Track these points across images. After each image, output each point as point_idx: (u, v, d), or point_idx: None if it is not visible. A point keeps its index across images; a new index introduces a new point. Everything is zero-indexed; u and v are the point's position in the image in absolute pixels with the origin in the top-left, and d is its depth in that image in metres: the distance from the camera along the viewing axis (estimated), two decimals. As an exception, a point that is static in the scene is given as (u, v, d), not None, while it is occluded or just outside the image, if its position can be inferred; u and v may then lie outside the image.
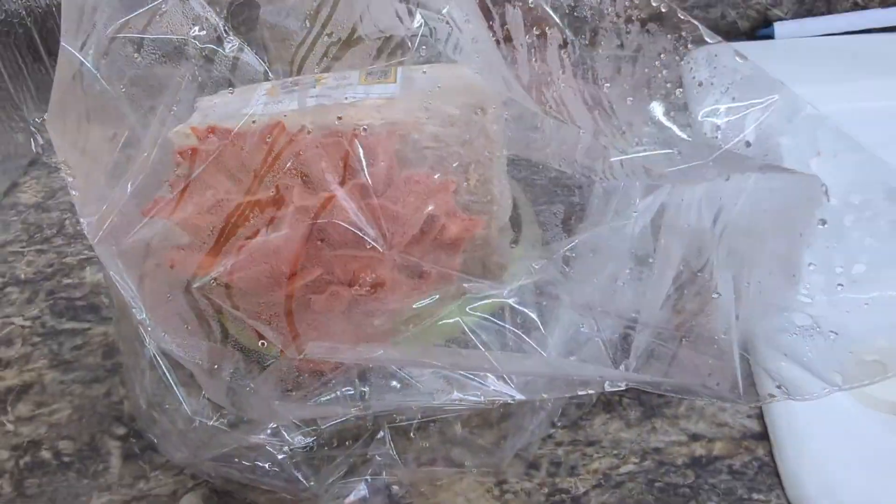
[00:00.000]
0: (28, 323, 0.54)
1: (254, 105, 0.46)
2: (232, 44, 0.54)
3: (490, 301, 0.42)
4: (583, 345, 0.37)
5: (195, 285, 0.40)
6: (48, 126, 0.41)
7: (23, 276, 0.58)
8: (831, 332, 0.39)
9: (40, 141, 0.72)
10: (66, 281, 0.57)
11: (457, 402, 0.38)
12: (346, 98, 0.44)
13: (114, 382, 0.48)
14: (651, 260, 0.41)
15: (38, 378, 0.49)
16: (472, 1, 0.44)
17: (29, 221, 0.64)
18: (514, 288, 0.39)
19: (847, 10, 0.71)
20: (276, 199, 0.38)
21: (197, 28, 0.53)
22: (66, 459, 0.44)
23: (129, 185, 0.42)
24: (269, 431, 0.39)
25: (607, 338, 0.38)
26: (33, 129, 0.71)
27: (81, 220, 0.40)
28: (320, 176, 0.38)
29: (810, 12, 0.72)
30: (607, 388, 0.36)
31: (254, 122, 0.41)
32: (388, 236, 0.37)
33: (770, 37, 0.72)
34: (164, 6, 0.51)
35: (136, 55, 0.50)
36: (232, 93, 0.49)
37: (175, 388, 0.40)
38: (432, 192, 0.38)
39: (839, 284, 0.39)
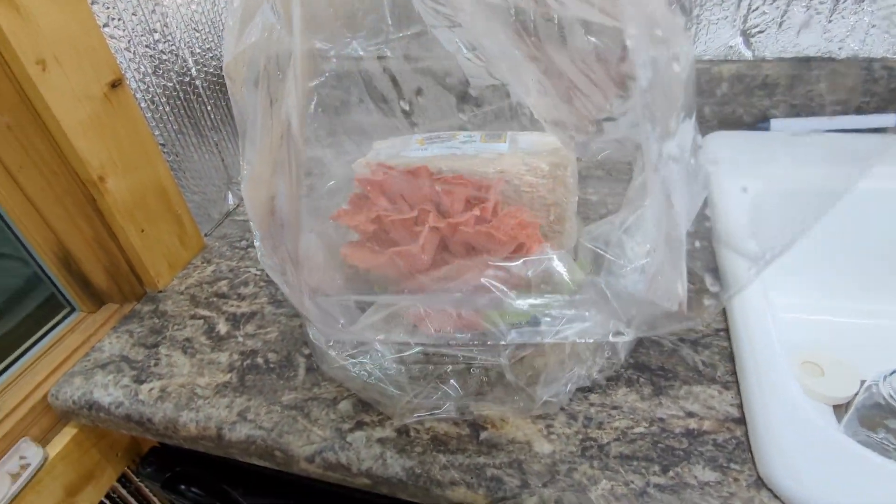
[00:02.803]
0: (259, 272, 0.54)
1: (410, 150, 0.44)
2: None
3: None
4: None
5: (358, 268, 0.38)
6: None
7: (258, 241, 0.58)
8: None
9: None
10: (283, 248, 0.57)
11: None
12: (471, 152, 0.41)
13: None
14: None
15: (260, 309, 0.49)
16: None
17: (265, 207, 0.64)
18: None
19: (826, 115, 0.63)
20: (418, 219, 0.35)
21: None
22: (272, 365, 0.44)
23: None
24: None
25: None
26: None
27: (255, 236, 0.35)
28: (450, 205, 0.36)
29: (799, 114, 0.64)
30: (611, 339, 0.30)
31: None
32: (490, 253, 0.34)
33: (766, 129, 0.65)
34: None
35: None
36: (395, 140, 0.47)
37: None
38: (525, 225, 0.35)
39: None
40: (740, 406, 0.37)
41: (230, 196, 0.64)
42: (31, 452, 0.41)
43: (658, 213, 0.25)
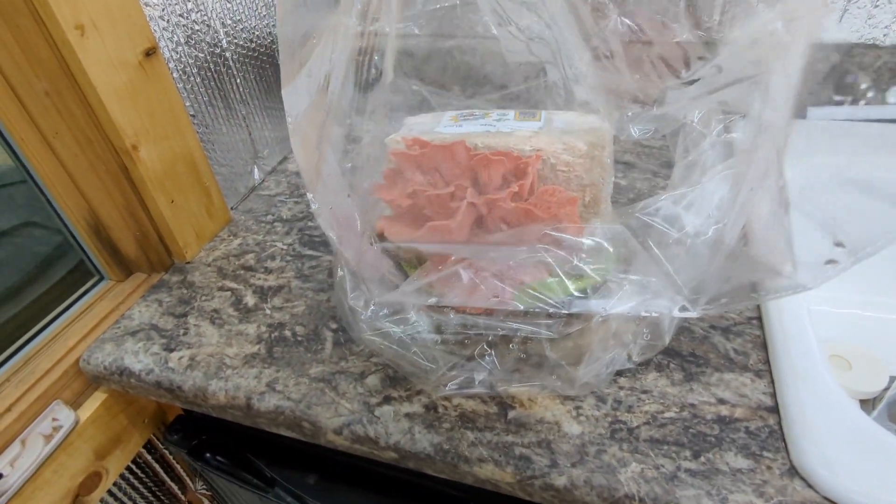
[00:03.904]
0: (285, 247, 0.54)
1: (442, 126, 0.43)
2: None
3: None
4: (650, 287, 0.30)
5: (393, 243, 0.38)
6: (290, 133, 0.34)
7: (285, 216, 0.58)
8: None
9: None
10: (311, 223, 0.57)
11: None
12: (506, 129, 0.41)
13: (332, 293, 0.48)
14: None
15: (287, 283, 0.49)
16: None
17: (292, 182, 0.64)
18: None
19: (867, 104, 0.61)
20: (454, 194, 0.35)
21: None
22: (299, 338, 0.44)
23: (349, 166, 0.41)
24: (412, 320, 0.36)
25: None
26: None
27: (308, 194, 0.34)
28: (487, 182, 0.35)
29: (838, 102, 0.62)
30: (676, 314, 0.28)
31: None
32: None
33: (803, 117, 0.63)
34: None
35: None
36: (427, 115, 0.47)
37: (348, 294, 0.38)
38: (563, 203, 0.34)
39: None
40: (773, 395, 0.37)
41: (256, 171, 0.64)
42: (64, 415, 0.42)
43: (754, 178, 0.24)
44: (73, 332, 0.46)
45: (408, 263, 0.39)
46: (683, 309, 0.26)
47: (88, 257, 0.51)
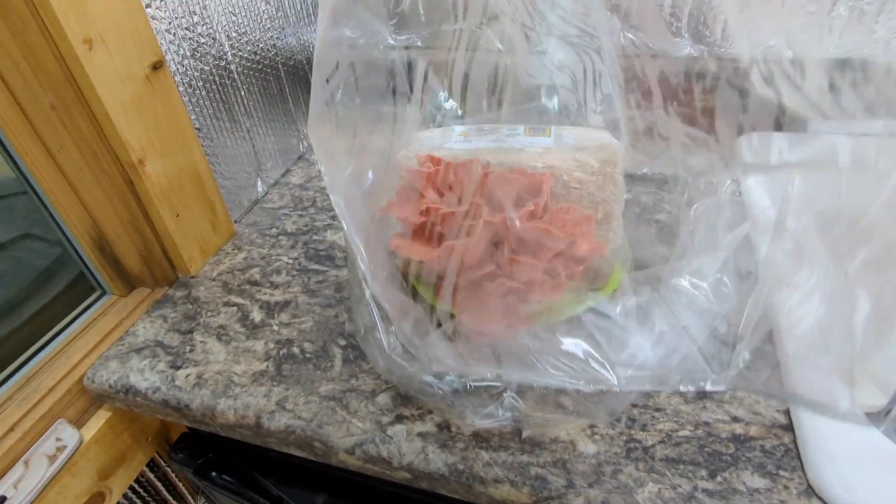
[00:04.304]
0: (291, 261, 0.53)
1: (453, 142, 0.43)
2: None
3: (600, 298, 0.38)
4: (677, 352, 0.31)
5: (405, 260, 0.38)
6: (310, 133, 0.37)
7: (290, 229, 0.58)
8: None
9: (305, 144, 0.72)
10: (315, 237, 0.56)
11: (569, 383, 0.33)
12: (516, 145, 0.41)
13: (340, 309, 0.47)
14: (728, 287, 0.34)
15: (293, 298, 0.49)
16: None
17: (295, 195, 0.64)
18: (623, 306, 0.34)
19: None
20: (469, 213, 0.35)
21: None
22: (308, 355, 0.43)
23: (366, 181, 0.40)
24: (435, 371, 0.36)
25: (706, 351, 0.32)
26: (302, 136, 0.71)
27: (331, 195, 0.36)
28: (501, 200, 0.35)
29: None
30: (708, 388, 0.29)
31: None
32: (542, 250, 0.34)
33: (804, 130, 0.64)
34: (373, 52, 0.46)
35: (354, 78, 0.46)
36: (437, 131, 0.47)
37: (379, 324, 0.38)
38: (580, 221, 0.34)
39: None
40: (787, 412, 0.37)
41: (259, 183, 0.63)
42: (67, 434, 0.41)
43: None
44: (76, 348, 0.45)
45: (419, 281, 0.39)
46: (715, 383, 0.26)
47: (90, 270, 0.50)
